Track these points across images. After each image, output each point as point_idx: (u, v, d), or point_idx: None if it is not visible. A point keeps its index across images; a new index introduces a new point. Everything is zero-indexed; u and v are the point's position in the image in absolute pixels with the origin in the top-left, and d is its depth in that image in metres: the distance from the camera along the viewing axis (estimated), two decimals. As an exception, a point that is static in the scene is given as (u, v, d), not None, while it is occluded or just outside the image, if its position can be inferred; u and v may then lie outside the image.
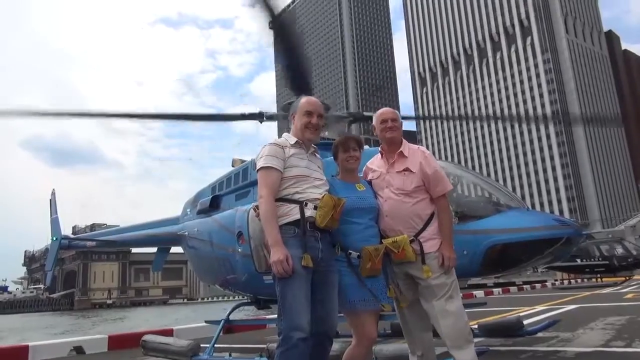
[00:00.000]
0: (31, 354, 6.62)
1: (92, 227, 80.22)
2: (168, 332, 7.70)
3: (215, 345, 5.61)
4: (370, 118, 3.17)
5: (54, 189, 12.85)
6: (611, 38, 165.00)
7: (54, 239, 11.45)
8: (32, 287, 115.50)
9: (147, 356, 6.03)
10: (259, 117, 6.84)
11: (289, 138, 2.78)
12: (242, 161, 7.09)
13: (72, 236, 13.13)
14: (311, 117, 2.76)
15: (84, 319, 50.75)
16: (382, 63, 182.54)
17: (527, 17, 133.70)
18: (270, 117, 6.93)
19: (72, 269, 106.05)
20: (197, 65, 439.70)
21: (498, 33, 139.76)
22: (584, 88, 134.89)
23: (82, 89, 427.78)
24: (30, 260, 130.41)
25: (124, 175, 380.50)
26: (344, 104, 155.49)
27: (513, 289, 22.20)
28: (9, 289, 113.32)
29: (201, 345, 5.67)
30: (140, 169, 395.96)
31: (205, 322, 7.67)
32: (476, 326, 5.96)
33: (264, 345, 4.97)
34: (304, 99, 2.85)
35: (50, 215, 12.12)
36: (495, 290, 20.55)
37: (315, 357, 2.52)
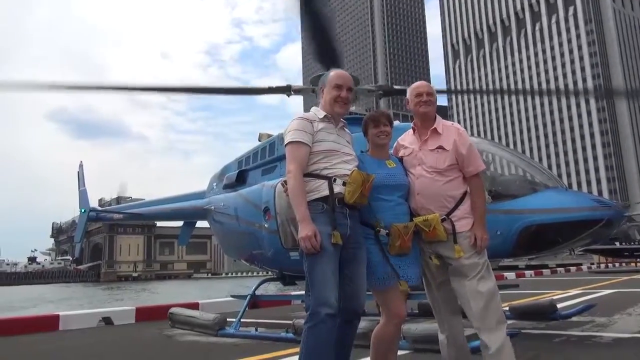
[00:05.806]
0: (62, 323, 6.88)
1: (118, 199, 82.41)
2: (194, 306, 7.84)
3: (241, 320, 5.67)
4: (400, 92, 3.02)
5: (81, 162, 12.85)
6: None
7: (83, 211, 11.56)
8: (59, 258, 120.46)
9: (174, 328, 6.17)
10: (287, 90, 6.78)
11: (318, 112, 2.75)
12: (269, 135, 7.04)
13: (100, 208, 13.26)
14: (341, 91, 2.72)
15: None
16: (413, 34, 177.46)
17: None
18: (298, 91, 6.86)
19: (98, 242, 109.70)
20: (222, 35, 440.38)
21: (538, 2, 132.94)
22: (630, 61, 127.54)
23: (106, 62, 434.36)
24: (58, 232, 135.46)
25: (148, 149, 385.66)
26: (372, 77, 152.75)
27: (546, 271, 21.63)
28: (37, 260, 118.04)
29: (227, 319, 5.74)
30: (165, 142, 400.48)
31: (231, 296, 7.78)
32: (507, 308, 5.83)
33: (290, 321, 4.98)
34: (333, 72, 2.81)
35: (78, 188, 12.26)
36: (527, 272, 20.06)
37: (343, 334, 2.53)
